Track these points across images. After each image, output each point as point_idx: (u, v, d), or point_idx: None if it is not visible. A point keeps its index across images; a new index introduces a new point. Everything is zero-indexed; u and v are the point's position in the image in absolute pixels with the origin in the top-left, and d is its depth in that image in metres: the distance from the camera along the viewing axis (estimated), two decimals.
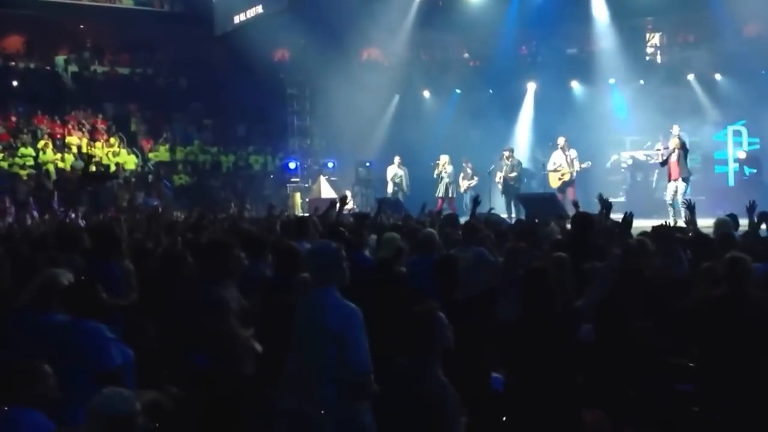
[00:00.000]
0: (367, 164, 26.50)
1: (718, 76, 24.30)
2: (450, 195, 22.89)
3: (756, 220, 9.88)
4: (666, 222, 10.82)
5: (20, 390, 4.72)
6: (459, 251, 8.71)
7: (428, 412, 5.11)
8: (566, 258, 7.87)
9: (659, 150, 19.73)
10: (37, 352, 5.29)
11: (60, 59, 31.88)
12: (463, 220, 13.03)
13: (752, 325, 6.12)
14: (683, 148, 18.38)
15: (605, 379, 6.75)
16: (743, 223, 10.30)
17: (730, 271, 6.32)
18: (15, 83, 29.98)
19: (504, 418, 6.07)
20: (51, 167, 25.88)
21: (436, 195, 22.66)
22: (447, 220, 12.58)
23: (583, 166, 20.72)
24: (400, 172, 23.82)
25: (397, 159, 23.97)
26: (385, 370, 5.30)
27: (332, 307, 5.28)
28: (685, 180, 18.14)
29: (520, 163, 22.63)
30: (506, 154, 22.22)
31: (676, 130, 18.93)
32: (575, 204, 11.57)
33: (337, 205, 11.10)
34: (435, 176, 23.14)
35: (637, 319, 6.75)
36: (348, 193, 18.60)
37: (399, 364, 5.28)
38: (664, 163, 18.63)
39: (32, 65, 31.10)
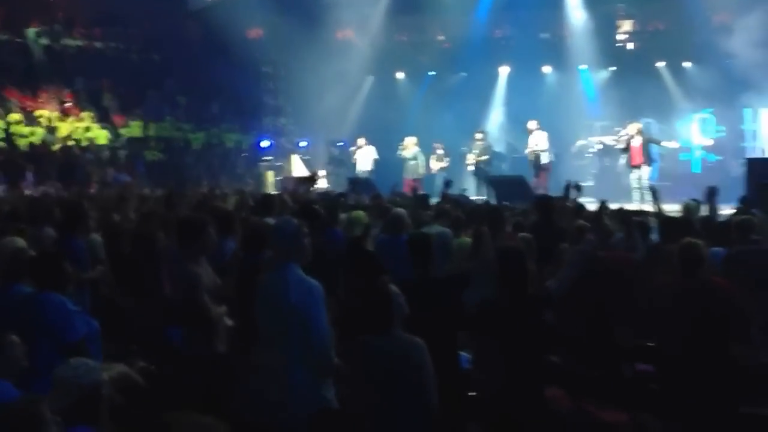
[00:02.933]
0: (340, 144, 26.50)
1: (686, 64, 24.57)
2: (413, 176, 22.78)
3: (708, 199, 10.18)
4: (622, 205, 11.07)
5: None
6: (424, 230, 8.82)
7: (415, 375, 5.23)
8: (531, 239, 8.02)
9: (623, 135, 19.93)
10: (2, 323, 5.32)
11: (31, 31, 31.42)
12: (434, 201, 13.21)
13: (704, 309, 6.27)
14: (646, 135, 18.72)
15: (565, 359, 6.91)
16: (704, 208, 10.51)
17: (684, 257, 6.47)
18: None
19: (472, 393, 6.19)
20: (22, 141, 25.67)
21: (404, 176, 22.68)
22: (418, 200, 12.69)
23: (543, 148, 20.84)
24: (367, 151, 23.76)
25: (361, 140, 23.95)
26: (355, 348, 5.38)
27: (293, 283, 5.33)
28: (649, 164, 18.46)
29: (490, 146, 22.77)
30: (478, 136, 22.35)
31: (634, 127, 19.13)
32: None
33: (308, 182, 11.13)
34: (399, 156, 23.10)
35: (594, 300, 6.92)
36: (320, 172, 18.61)
37: (368, 342, 5.36)
38: (625, 149, 18.91)
39: (2, 37, 30.67)
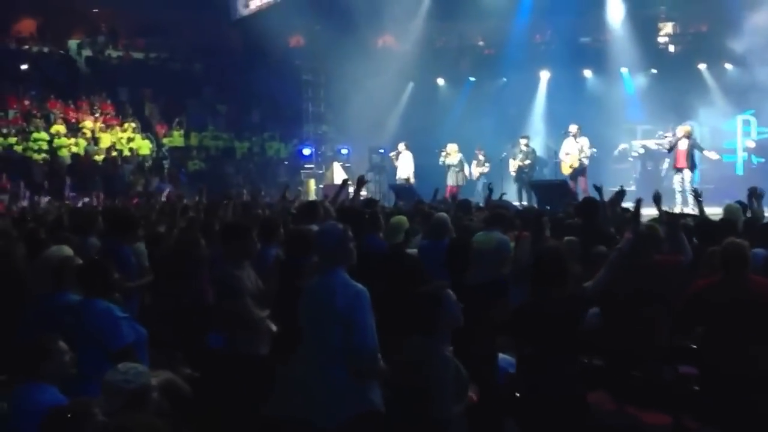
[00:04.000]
0: (381, 151, 26.53)
1: (728, 66, 24.32)
2: (458, 183, 22.85)
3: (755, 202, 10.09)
4: (670, 208, 10.96)
5: (36, 365, 4.79)
6: (482, 235, 8.60)
7: (434, 387, 5.24)
8: (576, 242, 8.00)
9: (668, 136, 19.82)
10: (49, 330, 5.37)
11: (73, 43, 31.85)
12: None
13: (747, 309, 6.23)
14: (692, 140, 18.58)
15: (610, 362, 6.89)
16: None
17: (726, 257, 6.45)
18: (28, 67, 29.89)
19: (517, 394, 6.20)
20: (65, 152, 26.03)
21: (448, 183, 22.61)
22: (460, 206, 12.64)
23: (588, 153, 20.62)
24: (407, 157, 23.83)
25: (401, 146, 23.98)
26: (396, 349, 5.41)
27: (339, 288, 5.31)
28: (692, 169, 18.34)
29: (534, 151, 22.74)
30: (523, 141, 22.34)
31: (683, 130, 19.00)
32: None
33: (351, 187, 11.11)
34: (441, 164, 23.09)
35: (643, 304, 6.89)
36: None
37: (408, 342, 5.40)
38: (671, 149, 18.77)
39: (45, 49, 31.04)
